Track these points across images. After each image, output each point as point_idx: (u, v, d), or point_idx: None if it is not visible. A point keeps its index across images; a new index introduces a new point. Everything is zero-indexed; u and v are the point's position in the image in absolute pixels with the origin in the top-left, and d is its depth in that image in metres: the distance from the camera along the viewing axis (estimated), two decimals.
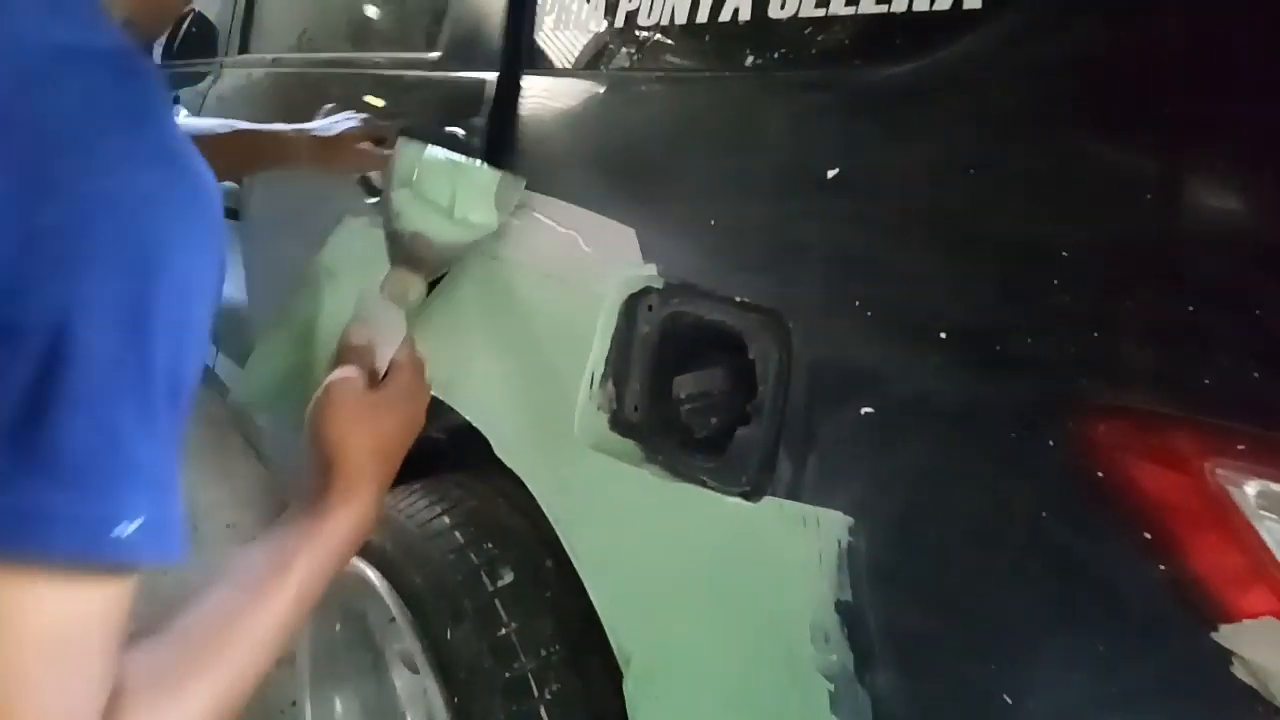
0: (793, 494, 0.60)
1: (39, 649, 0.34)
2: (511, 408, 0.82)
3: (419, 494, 0.98)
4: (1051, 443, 0.48)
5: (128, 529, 0.36)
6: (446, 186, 0.75)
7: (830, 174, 0.61)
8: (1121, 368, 0.47)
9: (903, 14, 0.59)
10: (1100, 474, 0.47)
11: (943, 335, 0.53)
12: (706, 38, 0.73)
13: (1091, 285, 0.48)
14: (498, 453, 0.82)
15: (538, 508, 0.80)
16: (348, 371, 0.64)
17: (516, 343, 0.84)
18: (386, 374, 0.67)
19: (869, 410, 0.56)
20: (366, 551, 0.93)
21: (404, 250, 0.77)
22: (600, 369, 0.77)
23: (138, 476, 0.37)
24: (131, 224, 0.37)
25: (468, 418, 0.85)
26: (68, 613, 0.35)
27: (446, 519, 0.90)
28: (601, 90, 0.82)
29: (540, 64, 0.90)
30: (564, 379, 0.78)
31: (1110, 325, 0.47)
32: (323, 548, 0.55)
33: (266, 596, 0.50)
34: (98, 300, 0.36)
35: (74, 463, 0.35)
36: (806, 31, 0.65)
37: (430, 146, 0.78)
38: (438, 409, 0.97)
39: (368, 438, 0.61)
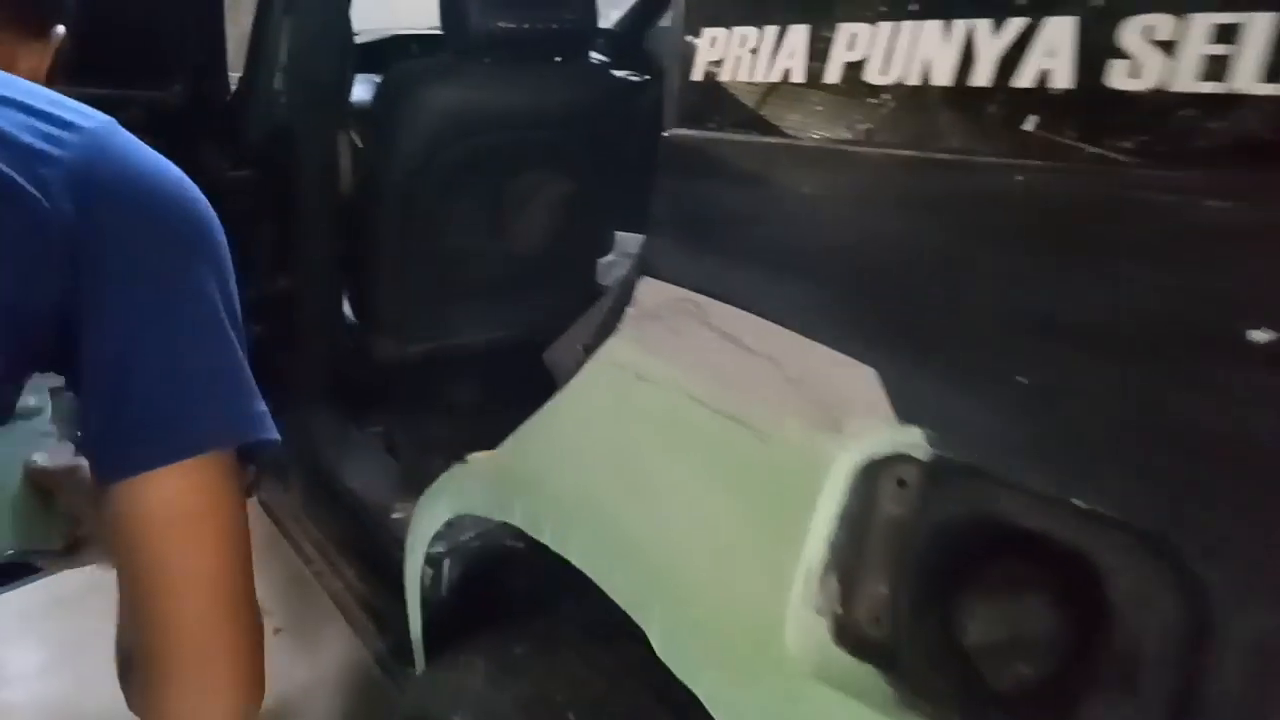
0: None
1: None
2: (683, 594, 0.61)
3: (523, 667, 0.76)
4: None
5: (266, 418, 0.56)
6: None
7: (1259, 337, 0.40)
8: None
9: None
10: None
11: None
12: (986, 108, 0.52)
13: None
14: (663, 656, 0.60)
15: (689, 694, 0.59)
16: None
17: (685, 503, 0.63)
18: None
19: None
20: None
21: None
22: (820, 556, 0.55)
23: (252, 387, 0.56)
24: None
25: (618, 601, 0.64)
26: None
27: (572, 716, 0.69)
28: (823, 163, 0.61)
29: (713, 123, 0.69)
30: (762, 564, 0.57)
31: None
32: None
33: None
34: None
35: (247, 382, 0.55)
36: (1186, 114, 0.44)
37: None
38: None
39: None
